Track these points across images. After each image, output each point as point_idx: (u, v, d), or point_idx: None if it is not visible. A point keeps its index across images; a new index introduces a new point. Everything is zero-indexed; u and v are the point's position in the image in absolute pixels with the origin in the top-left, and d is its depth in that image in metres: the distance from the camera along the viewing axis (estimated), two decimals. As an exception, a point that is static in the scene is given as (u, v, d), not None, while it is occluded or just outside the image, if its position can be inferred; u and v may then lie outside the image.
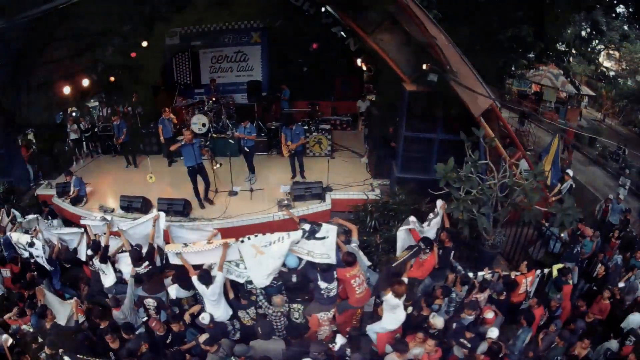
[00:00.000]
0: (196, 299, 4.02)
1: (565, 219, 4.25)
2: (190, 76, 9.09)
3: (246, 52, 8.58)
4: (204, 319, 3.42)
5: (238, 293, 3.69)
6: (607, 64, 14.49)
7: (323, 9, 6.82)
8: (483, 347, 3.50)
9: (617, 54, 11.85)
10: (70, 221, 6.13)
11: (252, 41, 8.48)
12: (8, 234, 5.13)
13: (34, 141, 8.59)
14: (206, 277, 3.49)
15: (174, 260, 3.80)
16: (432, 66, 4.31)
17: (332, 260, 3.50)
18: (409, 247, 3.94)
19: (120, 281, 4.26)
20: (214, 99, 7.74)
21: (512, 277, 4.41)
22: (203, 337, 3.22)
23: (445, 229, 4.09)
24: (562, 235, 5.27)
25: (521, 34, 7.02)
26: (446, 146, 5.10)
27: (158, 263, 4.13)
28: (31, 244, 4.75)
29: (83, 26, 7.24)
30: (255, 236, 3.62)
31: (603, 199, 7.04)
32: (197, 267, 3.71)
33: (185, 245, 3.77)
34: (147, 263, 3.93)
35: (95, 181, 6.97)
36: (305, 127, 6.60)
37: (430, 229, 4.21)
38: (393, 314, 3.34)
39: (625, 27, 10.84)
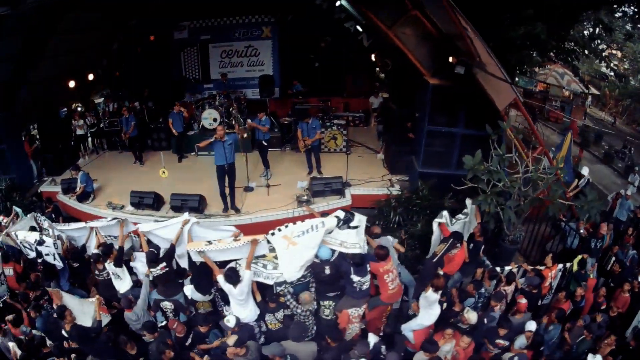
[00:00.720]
0: (214, 303, 3.84)
1: (590, 211, 4.31)
2: (199, 71, 8.96)
3: (257, 46, 8.50)
4: (230, 321, 3.21)
5: (265, 296, 3.50)
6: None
7: (337, 3, 6.78)
8: (521, 341, 3.49)
9: (619, 53, 12.04)
10: (76, 219, 5.91)
11: (263, 36, 8.41)
12: (13, 233, 4.79)
13: (38, 137, 8.37)
14: (234, 276, 3.31)
15: (196, 258, 3.63)
16: (459, 58, 4.29)
17: (364, 250, 3.43)
18: (443, 240, 3.91)
19: (137, 285, 4.03)
20: (225, 93, 7.63)
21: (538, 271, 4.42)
22: (232, 339, 3.01)
23: (478, 223, 4.07)
24: (581, 230, 5.32)
25: (534, 32, 7.08)
26: (467, 141, 5.11)
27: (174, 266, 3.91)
28: (40, 242, 4.46)
29: (89, 18, 7.11)
30: (286, 226, 3.42)
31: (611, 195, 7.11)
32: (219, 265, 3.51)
33: (209, 242, 3.55)
34: (164, 264, 3.69)
35: (102, 177, 6.81)
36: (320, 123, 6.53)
37: (456, 224, 4.19)
38: (430, 309, 3.31)
39: (628, 27, 11.05)
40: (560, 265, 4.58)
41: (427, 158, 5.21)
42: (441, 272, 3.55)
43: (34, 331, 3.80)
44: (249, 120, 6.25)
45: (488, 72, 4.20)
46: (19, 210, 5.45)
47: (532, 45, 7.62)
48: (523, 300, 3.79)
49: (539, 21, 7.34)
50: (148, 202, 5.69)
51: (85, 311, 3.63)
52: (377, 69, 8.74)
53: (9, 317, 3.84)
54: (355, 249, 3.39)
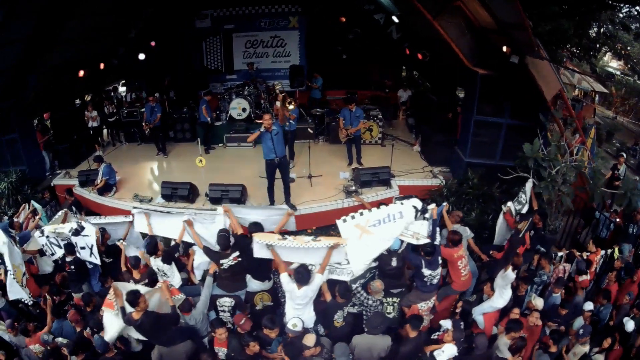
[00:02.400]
0: (275, 293, 3.65)
1: (633, 198, 4.53)
2: (222, 61, 8.85)
3: (283, 37, 8.48)
4: (296, 326, 2.98)
5: (335, 293, 3.27)
6: (613, 63, 15.43)
7: (373, -6, 6.85)
8: (579, 322, 3.63)
9: (624, 52, 12.57)
10: (96, 213, 5.57)
11: (290, 26, 8.40)
12: (38, 230, 4.33)
13: (50, 126, 8.07)
14: (304, 276, 3.06)
15: (259, 252, 3.32)
16: (514, 48, 4.41)
17: (436, 241, 3.33)
18: (522, 218, 3.96)
19: (185, 284, 3.80)
20: (253, 83, 7.56)
21: (585, 257, 4.60)
22: (310, 339, 2.87)
23: (536, 210, 4.19)
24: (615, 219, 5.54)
25: (562, 28, 7.36)
26: (510, 131, 5.26)
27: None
28: (77, 231, 3.98)
29: (106, 3, 6.92)
30: (361, 214, 3.25)
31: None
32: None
33: (284, 237, 3.26)
34: (236, 254, 3.41)
35: (122, 170, 6.53)
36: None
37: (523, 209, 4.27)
38: (505, 290, 3.40)
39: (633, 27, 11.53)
40: (603, 252, 4.78)
41: (473, 148, 5.32)
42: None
43: (59, 339, 3.46)
44: (277, 103, 6.11)
45: (548, 60, 4.33)
46: (38, 206, 5.11)
47: (558, 42, 7.90)
48: (584, 277, 3.93)
49: (562, 18, 7.63)
50: (182, 193, 5.40)
51: (152, 299, 3.27)
52: (405, 63, 8.81)
53: (31, 325, 3.58)
54: (425, 240, 3.27)
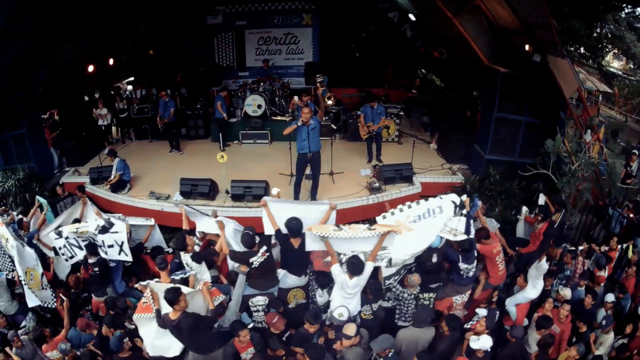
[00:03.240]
0: (306, 290, 3.64)
1: None
2: (234, 57, 8.90)
3: (296, 34, 8.57)
4: (342, 315, 3.01)
5: (367, 289, 3.31)
6: (614, 63, 15.81)
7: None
8: (601, 313, 3.81)
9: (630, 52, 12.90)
10: (108, 212, 5.48)
11: (303, 23, 8.48)
12: (52, 232, 4.02)
13: (58, 123, 7.98)
14: (358, 266, 3.05)
15: (312, 245, 3.29)
16: (536, 47, 4.57)
17: (471, 234, 3.39)
18: (556, 210, 4.06)
19: (215, 282, 3.65)
20: (269, 80, 7.63)
21: (604, 250, 4.79)
22: (351, 328, 2.88)
23: (557, 209, 4.19)
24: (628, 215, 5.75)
25: (574, 27, 7.57)
26: (529, 129, 5.43)
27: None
28: (105, 229, 3.76)
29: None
30: (401, 210, 3.27)
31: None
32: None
33: (339, 228, 3.19)
34: (264, 249, 3.36)
35: (134, 167, 6.37)
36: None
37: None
38: (538, 281, 3.54)
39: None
40: (619, 247, 4.98)
41: (493, 145, 5.48)
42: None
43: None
44: (295, 97, 6.13)
45: (569, 59, 4.50)
46: (43, 200, 4.87)
47: (569, 41, 8.11)
48: (602, 273, 4.11)
49: (573, 18, 7.85)
50: (203, 190, 5.29)
51: (195, 299, 3.10)
52: (418, 61, 8.94)
53: (47, 330, 3.42)
54: (462, 236, 3.27)
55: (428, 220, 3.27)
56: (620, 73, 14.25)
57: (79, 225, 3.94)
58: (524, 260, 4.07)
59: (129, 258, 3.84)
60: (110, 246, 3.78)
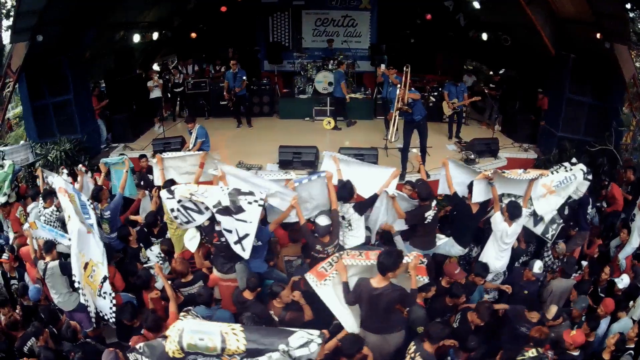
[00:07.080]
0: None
1: None
2: (290, 38, 9.31)
3: (354, 17, 9.13)
4: (541, 267, 3.33)
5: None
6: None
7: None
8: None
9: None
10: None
11: (362, 7, 9.08)
12: (165, 190, 3.38)
13: (106, 93, 7.85)
14: (518, 210, 3.37)
15: (479, 196, 3.61)
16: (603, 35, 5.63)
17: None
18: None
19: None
20: (335, 59, 8.17)
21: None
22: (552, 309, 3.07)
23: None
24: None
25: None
26: (591, 110, 6.55)
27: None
28: (230, 211, 3.00)
29: None
30: (547, 176, 3.91)
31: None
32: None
33: (503, 172, 3.61)
34: (435, 203, 3.57)
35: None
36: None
37: None
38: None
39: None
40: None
41: (564, 124, 6.52)
42: None
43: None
44: (382, 66, 6.71)
45: (632, 47, 5.59)
46: (110, 160, 4.63)
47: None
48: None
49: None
50: (309, 158, 5.43)
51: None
52: (470, 50, 9.86)
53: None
54: (581, 194, 4.13)
55: (567, 184, 4.00)
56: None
57: (193, 192, 3.21)
58: (610, 219, 5.10)
59: (246, 255, 3.06)
60: (228, 231, 3.05)
